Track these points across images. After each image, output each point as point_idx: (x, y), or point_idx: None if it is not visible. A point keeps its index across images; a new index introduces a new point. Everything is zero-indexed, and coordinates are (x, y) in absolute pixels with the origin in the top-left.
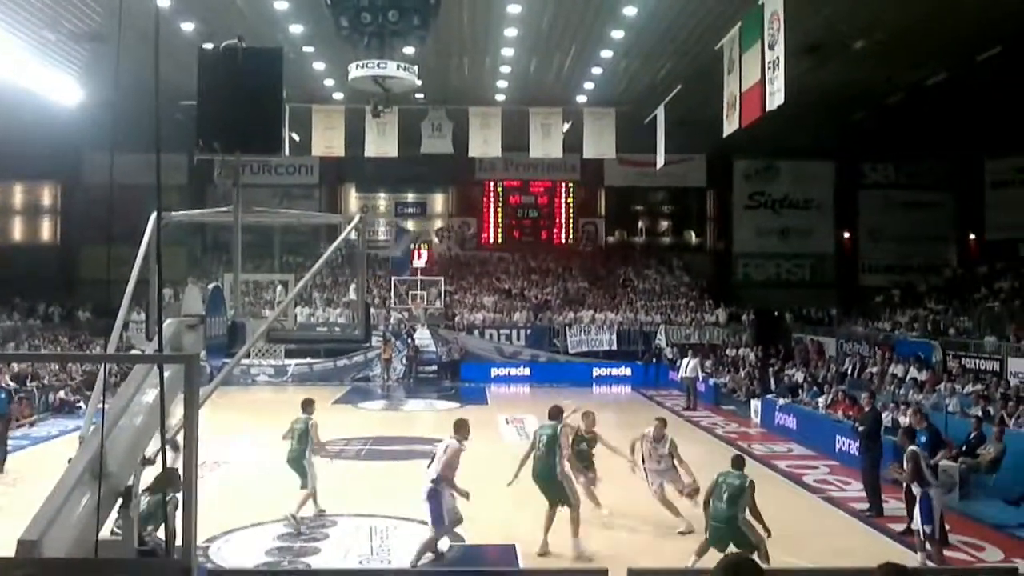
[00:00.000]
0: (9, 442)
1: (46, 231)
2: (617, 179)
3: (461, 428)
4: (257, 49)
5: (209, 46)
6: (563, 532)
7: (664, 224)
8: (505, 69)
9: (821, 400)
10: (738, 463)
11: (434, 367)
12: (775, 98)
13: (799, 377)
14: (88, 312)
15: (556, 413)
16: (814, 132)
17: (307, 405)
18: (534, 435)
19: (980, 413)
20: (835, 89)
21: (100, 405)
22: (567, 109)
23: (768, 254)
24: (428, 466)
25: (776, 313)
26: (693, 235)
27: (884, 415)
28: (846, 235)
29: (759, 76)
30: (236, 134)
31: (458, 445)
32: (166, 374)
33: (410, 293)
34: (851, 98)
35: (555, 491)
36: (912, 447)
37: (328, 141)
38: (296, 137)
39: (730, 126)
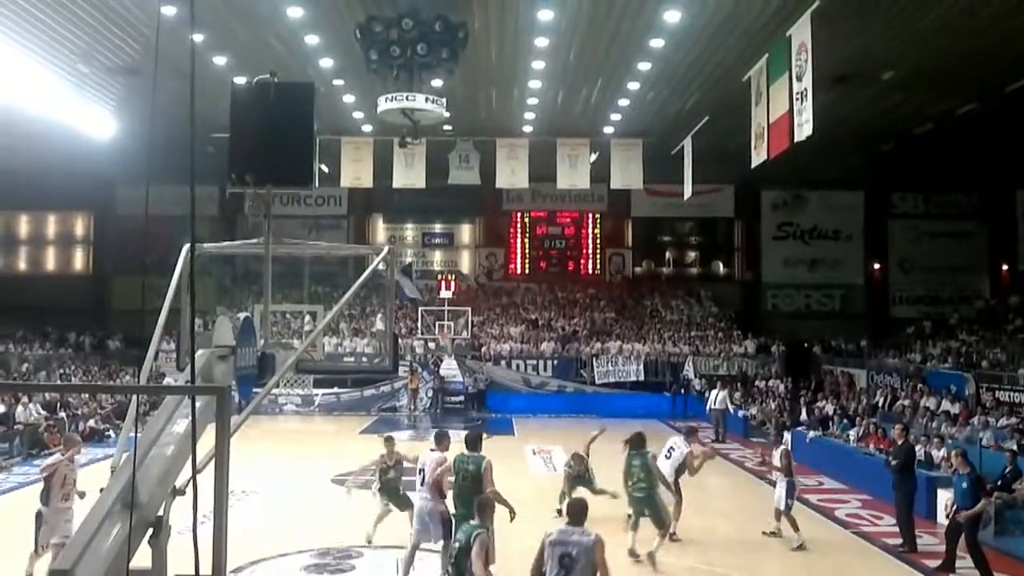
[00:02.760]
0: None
1: (79, 261)
2: (644, 209)
3: (442, 439)
4: (289, 84)
5: (242, 80)
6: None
7: (692, 255)
8: (532, 101)
9: (852, 432)
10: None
11: (460, 397)
12: (803, 129)
13: (829, 409)
14: (118, 341)
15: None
16: (843, 162)
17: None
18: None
19: (1015, 447)
20: (864, 119)
21: (131, 434)
22: (594, 140)
23: (797, 285)
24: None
25: (806, 344)
26: (721, 266)
27: (916, 448)
28: (876, 266)
29: (787, 107)
30: (268, 168)
31: (442, 456)
32: (197, 405)
33: (437, 323)
34: (880, 128)
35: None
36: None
37: (356, 172)
38: (325, 169)
39: (758, 157)
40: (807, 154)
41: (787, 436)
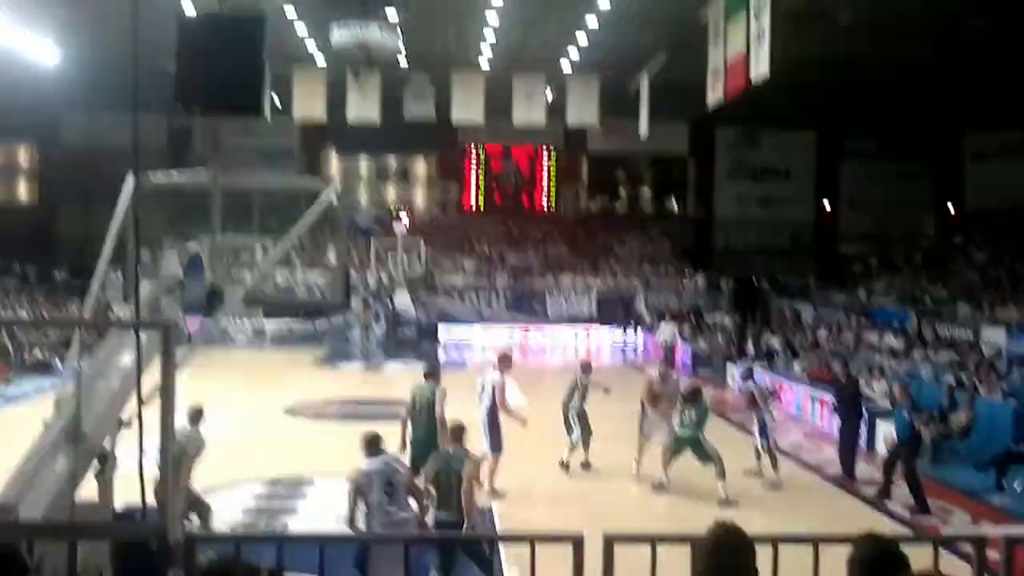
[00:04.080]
0: None
1: (23, 192)
2: (600, 146)
3: (504, 360)
4: (238, 16)
5: (192, 14)
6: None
7: (646, 191)
8: (489, 34)
9: (797, 366)
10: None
11: (413, 330)
12: (760, 70)
13: (776, 343)
14: (65, 272)
15: (433, 373)
16: (797, 102)
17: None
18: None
19: (953, 380)
20: (819, 60)
21: (76, 367)
22: (551, 75)
23: (748, 222)
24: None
25: (755, 281)
26: (675, 202)
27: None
28: (826, 204)
29: (744, 47)
30: (215, 96)
31: (499, 375)
32: (144, 337)
33: (390, 256)
34: (835, 69)
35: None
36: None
37: (309, 105)
38: (277, 99)
39: (714, 97)
40: (762, 93)
41: (736, 372)
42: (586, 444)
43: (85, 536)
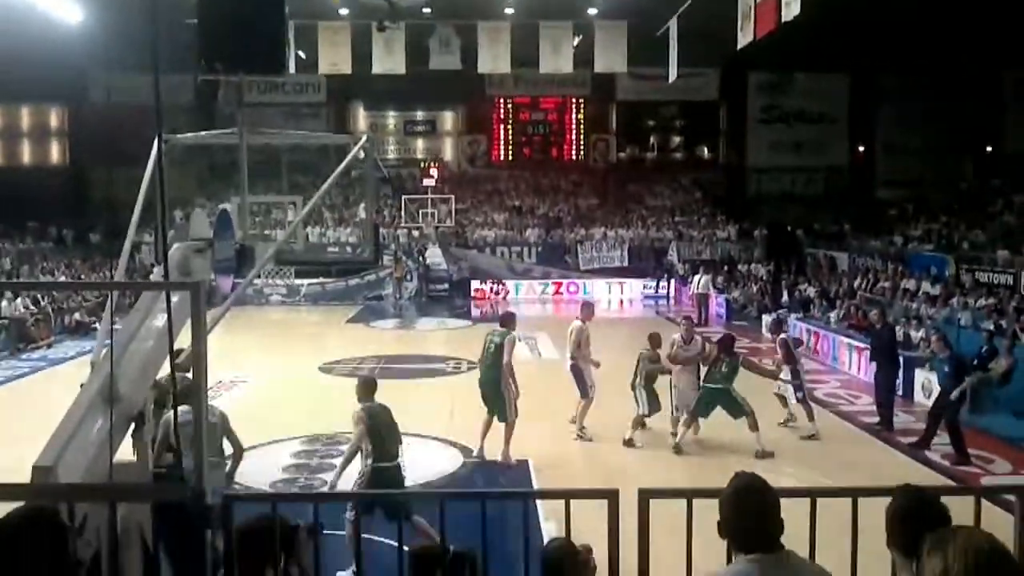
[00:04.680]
0: (27, 363)
1: (55, 153)
2: (628, 94)
3: (586, 308)
4: None
5: None
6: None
7: (676, 139)
8: None
9: (833, 315)
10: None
11: (446, 285)
12: (791, 8)
13: (811, 292)
14: (100, 234)
15: (507, 320)
16: (830, 44)
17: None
18: (485, 340)
19: (992, 327)
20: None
21: (110, 329)
22: (578, 22)
23: (782, 168)
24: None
25: (789, 228)
26: (706, 150)
27: (897, 330)
28: (861, 149)
29: None
30: (239, 54)
31: (580, 325)
32: (174, 299)
33: (420, 212)
34: (868, 8)
35: (494, 402)
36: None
37: (334, 58)
38: (303, 55)
39: (744, 38)
40: (793, 36)
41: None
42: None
43: (122, 498)
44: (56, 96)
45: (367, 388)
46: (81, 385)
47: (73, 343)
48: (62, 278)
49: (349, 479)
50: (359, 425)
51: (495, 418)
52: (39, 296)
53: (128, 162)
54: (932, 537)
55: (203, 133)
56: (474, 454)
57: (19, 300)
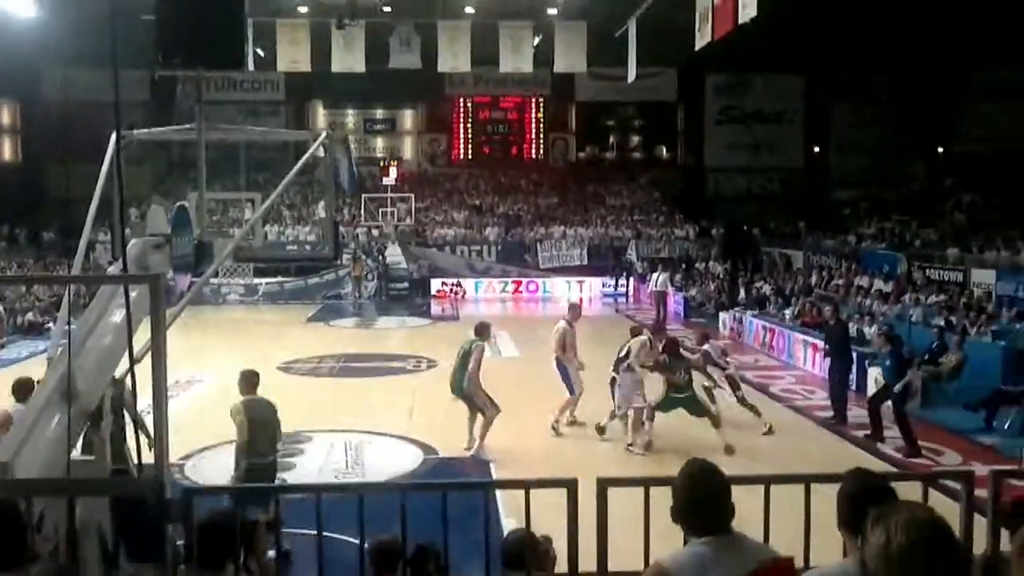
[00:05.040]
0: None
1: (7, 150)
2: (588, 94)
3: (572, 309)
4: None
5: None
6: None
7: (635, 139)
8: None
9: (788, 312)
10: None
11: (405, 284)
12: (748, 10)
13: (767, 290)
14: (53, 232)
15: (481, 330)
16: (786, 46)
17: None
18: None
19: (943, 323)
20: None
21: (67, 326)
22: (538, 22)
23: (739, 168)
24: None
25: (746, 227)
26: (664, 150)
27: (850, 326)
28: (816, 149)
29: None
30: (197, 49)
31: (566, 326)
32: (132, 294)
33: (380, 210)
34: (824, 10)
35: (467, 401)
36: None
37: (293, 56)
38: (261, 52)
39: (702, 39)
40: (750, 37)
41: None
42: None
43: (81, 492)
44: (8, 91)
45: (248, 382)
46: (37, 382)
47: (26, 343)
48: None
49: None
50: (236, 418)
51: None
52: None
53: (82, 159)
54: (875, 511)
55: (161, 129)
56: (464, 446)
57: None
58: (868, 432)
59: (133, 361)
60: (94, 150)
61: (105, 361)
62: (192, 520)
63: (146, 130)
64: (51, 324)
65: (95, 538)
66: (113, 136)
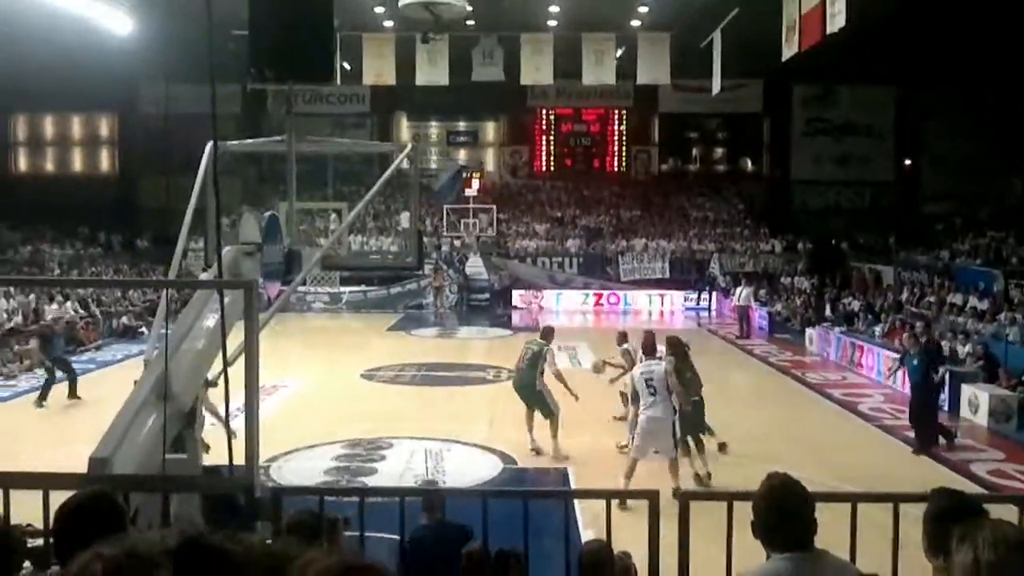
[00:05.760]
0: (76, 366)
1: (105, 161)
2: (671, 106)
3: (548, 333)
4: None
5: None
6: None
7: (719, 151)
8: None
9: (877, 329)
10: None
11: (486, 295)
12: (836, 20)
13: (855, 306)
14: (147, 240)
15: (547, 333)
16: (877, 56)
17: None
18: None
19: None
20: (899, 10)
21: (163, 330)
22: (621, 34)
23: (826, 182)
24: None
25: (833, 242)
26: (749, 162)
27: (943, 344)
28: (907, 162)
29: None
30: (288, 63)
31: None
32: (225, 300)
33: (462, 221)
34: (916, 19)
35: (533, 402)
36: None
37: (379, 69)
38: (347, 66)
39: (789, 50)
40: (840, 47)
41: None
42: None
43: (175, 489)
44: (106, 105)
45: None
46: (135, 383)
47: (120, 346)
48: None
49: None
50: None
51: (537, 414)
52: (88, 300)
53: (174, 170)
54: (960, 529)
55: (252, 141)
56: (529, 447)
57: (68, 304)
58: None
59: (226, 364)
60: (186, 162)
61: (199, 364)
62: (280, 519)
63: (238, 142)
64: (144, 328)
65: None
66: (208, 147)
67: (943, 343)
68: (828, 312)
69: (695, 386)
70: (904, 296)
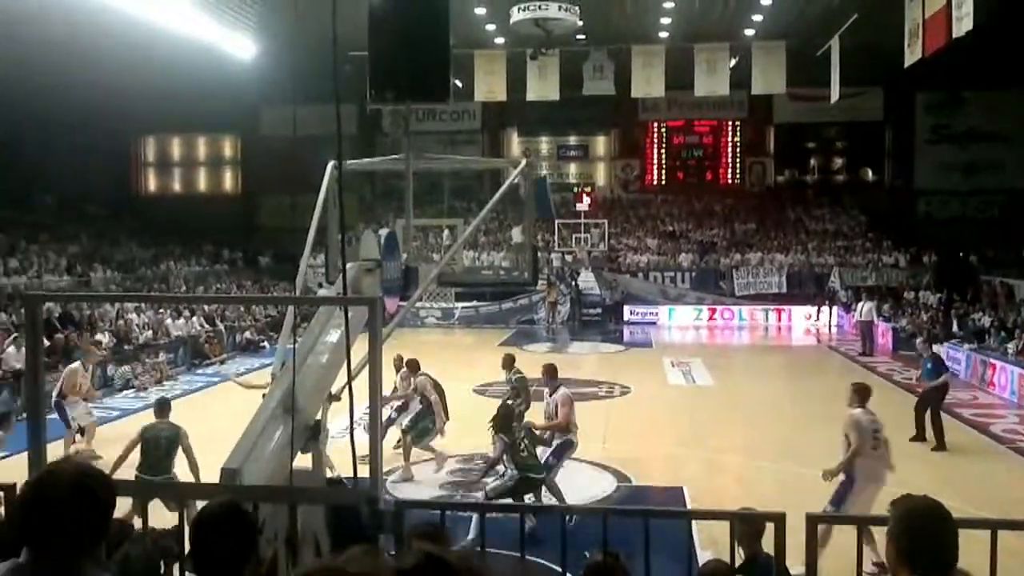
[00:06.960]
0: (202, 378)
1: (228, 181)
2: (787, 115)
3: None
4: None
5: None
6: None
7: (838, 161)
8: (668, 4)
9: (1011, 346)
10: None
11: (598, 310)
12: (963, 23)
13: (986, 322)
14: (269, 258)
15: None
16: (1006, 58)
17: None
18: None
19: None
20: None
21: (289, 345)
22: (734, 44)
23: (952, 191)
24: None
25: (961, 254)
26: (870, 172)
27: None
28: None
29: (945, 0)
30: (407, 84)
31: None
32: (348, 315)
33: (573, 236)
34: None
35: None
36: None
37: (490, 86)
38: (459, 84)
39: (912, 56)
40: (965, 51)
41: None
42: None
43: (301, 500)
44: (230, 127)
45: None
46: (263, 395)
47: (243, 360)
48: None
49: None
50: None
51: None
52: (213, 315)
53: (294, 189)
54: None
55: (371, 160)
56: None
57: (194, 319)
58: None
59: (351, 378)
60: (306, 181)
61: (323, 378)
62: (403, 531)
63: (357, 161)
64: (266, 343)
65: (312, 545)
66: (330, 165)
67: None
68: (956, 328)
69: None
70: None
